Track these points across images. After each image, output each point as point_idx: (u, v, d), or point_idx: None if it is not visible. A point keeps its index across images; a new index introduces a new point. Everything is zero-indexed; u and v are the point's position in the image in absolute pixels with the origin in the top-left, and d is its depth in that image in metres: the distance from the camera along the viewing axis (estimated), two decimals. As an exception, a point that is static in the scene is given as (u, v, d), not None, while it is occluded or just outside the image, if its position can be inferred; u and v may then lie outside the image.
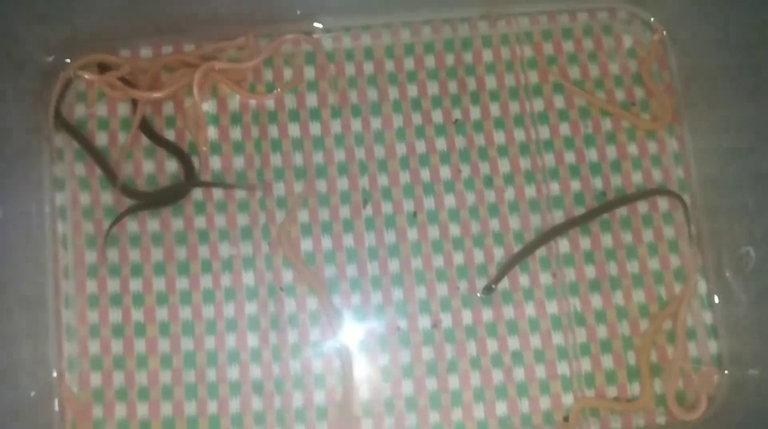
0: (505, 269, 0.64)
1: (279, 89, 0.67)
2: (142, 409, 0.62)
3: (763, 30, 0.59)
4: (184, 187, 0.65)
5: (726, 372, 0.64)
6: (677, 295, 0.65)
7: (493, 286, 0.64)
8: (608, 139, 0.68)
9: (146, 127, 0.66)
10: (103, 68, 0.67)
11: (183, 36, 0.68)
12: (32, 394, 0.60)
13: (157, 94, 0.65)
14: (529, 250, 0.65)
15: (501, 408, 0.63)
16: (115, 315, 0.63)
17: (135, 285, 0.64)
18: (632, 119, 0.67)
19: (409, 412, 0.63)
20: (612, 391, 0.64)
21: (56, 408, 0.62)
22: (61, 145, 0.66)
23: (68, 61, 0.66)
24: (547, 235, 0.65)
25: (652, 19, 0.69)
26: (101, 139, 0.66)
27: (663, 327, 0.65)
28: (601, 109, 0.68)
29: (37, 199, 0.64)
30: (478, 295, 0.64)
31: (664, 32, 0.69)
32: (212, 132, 0.67)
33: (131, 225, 0.65)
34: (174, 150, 0.66)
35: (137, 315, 0.63)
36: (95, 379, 0.62)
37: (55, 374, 0.62)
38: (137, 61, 0.67)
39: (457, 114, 0.68)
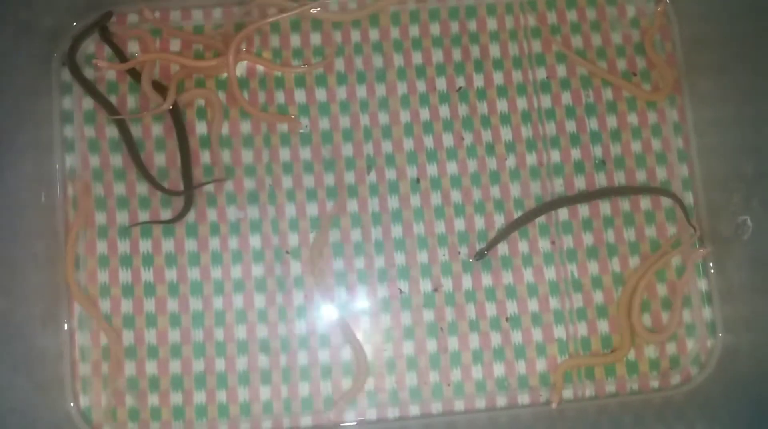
0: (497, 238, 0.66)
1: (306, 65, 0.67)
2: (151, 367, 0.64)
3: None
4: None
5: (720, 337, 0.66)
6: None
7: (486, 252, 0.66)
8: (609, 109, 0.69)
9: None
10: (104, 32, 0.67)
11: (191, 1, 0.68)
12: (43, 350, 0.62)
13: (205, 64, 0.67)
14: (522, 221, 0.66)
15: (498, 369, 0.65)
16: (124, 275, 0.65)
17: (144, 246, 0.65)
18: (633, 90, 0.68)
19: (410, 372, 0.65)
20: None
21: (68, 364, 0.64)
22: (70, 106, 0.67)
23: (75, 23, 0.67)
24: (539, 210, 0.66)
25: (656, -10, 0.70)
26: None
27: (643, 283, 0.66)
28: (603, 79, 0.69)
29: (48, 160, 0.65)
30: (470, 259, 0.66)
31: (668, 1, 0.70)
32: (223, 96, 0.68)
33: (141, 189, 0.66)
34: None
35: (146, 275, 0.65)
36: (105, 337, 0.64)
37: (66, 328, 0.64)
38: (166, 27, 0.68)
39: (460, 82, 0.68)
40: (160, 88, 0.67)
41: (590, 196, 0.67)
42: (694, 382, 0.66)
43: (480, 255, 0.66)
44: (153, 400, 0.64)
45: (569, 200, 0.67)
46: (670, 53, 0.69)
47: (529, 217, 0.66)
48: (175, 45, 0.68)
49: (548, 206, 0.67)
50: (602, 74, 0.68)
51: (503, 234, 0.66)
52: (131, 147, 0.66)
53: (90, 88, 0.66)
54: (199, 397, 0.64)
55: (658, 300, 0.66)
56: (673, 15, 0.69)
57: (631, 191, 0.67)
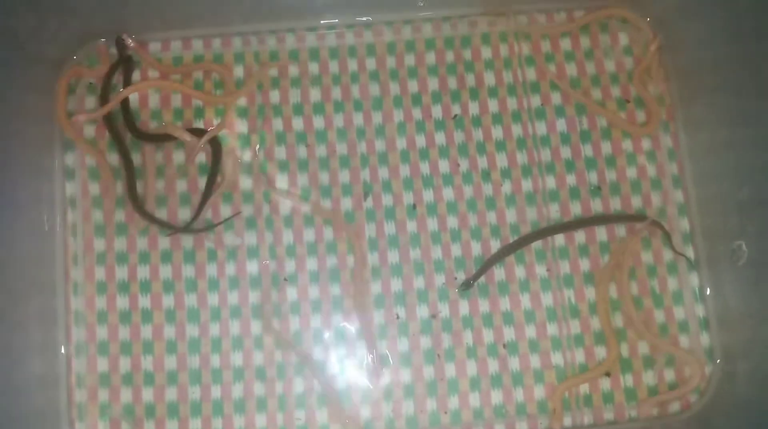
0: (483, 268, 0.66)
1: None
2: (148, 394, 0.64)
3: (757, 26, 0.60)
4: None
5: (718, 363, 0.65)
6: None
7: (472, 282, 0.66)
8: (603, 135, 0.69)
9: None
10: (121, 49, 0.68)
11: (191, 32, 0.70)
12: (40, 376, 0.62)
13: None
14: (506, 252, 0.66)
15: (496, 396, 0.65)
16: (122, 301, 0.65)
17: (142, 272, 0.66)
18: (621, 123, 0.69)
19: (407, 400, 0.64)
20: (605, 382, 0.65)
21: (64, 391, 0.64)
22: (71, 136, 0.68)
23: (75, 57, 0.69)
24: (524, 240, 0.67)
25: (648, 19, 0.71)
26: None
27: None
28: (597, 105, 0.70)
29: (48, 188, 0.66)
30: (456, 290, 0.66)
31: (659, 35, 0.71)
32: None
33: (139, 217, 0.67)
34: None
35: (144, 301, 0.65)
36: (102, 364, 0.64)
37: (63, 356, 0.64)
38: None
39: (456, 109, 0.69)
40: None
41: (566, 226, 0.67)
42: (693, 409, 0.65)
43: (466, 285, 0.66)
44: (149, 427, 0.63)
45: (543, 232, 0.67)
46: (663, 78, 0.70)
47: (506, 250, 0.66)
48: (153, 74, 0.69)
49: (525, 239, 0.67)
50: (595, 108, 0.69)
51: (489, 264, 0.66)
52: (131, 179, 0.67)
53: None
54: (195, 424, 0.63)
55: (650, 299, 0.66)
56: (666, 42, 0.71)
57: (606, 220, 0.67)
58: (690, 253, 0.68)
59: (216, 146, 0.67)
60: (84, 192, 0.67)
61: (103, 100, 0.68)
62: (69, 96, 0.68)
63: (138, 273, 0.66)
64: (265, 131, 0.68)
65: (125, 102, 0.68)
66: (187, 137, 0.67)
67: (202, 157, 0.68)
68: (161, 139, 0.68)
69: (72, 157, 0.68)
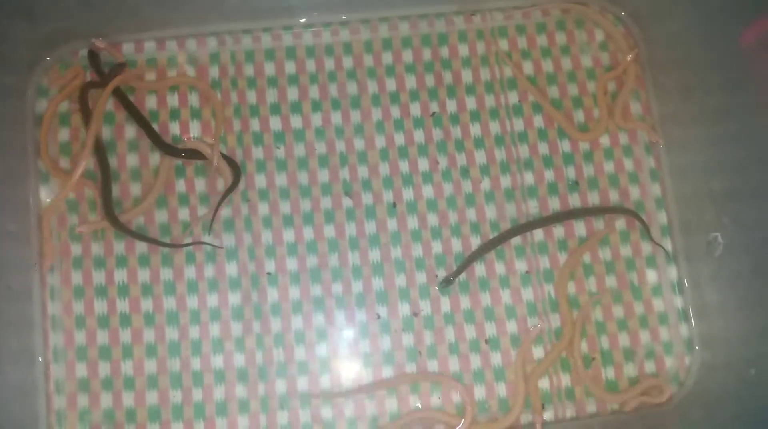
0: (464, 265, 0.66)
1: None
2: (128, 399, 0.63)
3: (728, 25, 0.61)
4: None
5: (697, 355, 0.66)
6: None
7: (452, 278, 0.66)
8: (581, 131, 0.70)
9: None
10: (93, 58, 0.68)
11: (165, 32, 0.69)
12: (18, 384, 0.61)
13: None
14: (487, 247, 0.66)
15: (479, 392, 0.65)
16: (100, 306, 0.64)
17: (120, 276, 0.65)
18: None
19: (390, 397, 0.64)
20: (587, 375, 0.66)
21: (42, 398, 0.63)
22: (41, 137, 0.67)
23: (48, 59, 0.67)
24: (503, 236, 0.67)
25: (622, 13, 0.71)
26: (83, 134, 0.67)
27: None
28: (573, 102, 0.70)
29: (22, 193, 0.65)
30: (436, 287, 0.66)
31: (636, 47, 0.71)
32: (195, 127, 0.68)
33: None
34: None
35: (122, 306, 0.65)
36: (81, 369, 0.63)
37: (41, 362, 0.63)
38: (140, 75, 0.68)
39: (434, 107, 0.69)
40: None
41: (545, 220, 0.67)
42: (674, 400, 0.66)
43: (447, 282, 0.66)
44: (130, 432, 0.63)
45: (523, 227, 0.67)
46: (639, 77, 0.71)
47: (486, 247, 0.66)
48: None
49: (505, 235, 0.67)
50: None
51: (469, 260, 0.66)
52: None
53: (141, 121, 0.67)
54: (177, 428, 0.63)
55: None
56: (640, 38, 0.71)
57: (586, 213, 0.68)
58: (668, 245, 0.68)
59: (236, 168, 0.67)
60: (58, 195, 0.66)
61: (84, 114, 0.66)
62: (42, 99, 0.67)
63: (115, 277, 0.65)
64: (242, 132, 0.68)
65: (141, 115, 0.67)
66: (213, 159, 0.66)
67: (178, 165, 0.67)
68: (190, 155, 0.66)
69: (45, 161, 0.66)
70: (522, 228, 0.67)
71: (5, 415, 0.60)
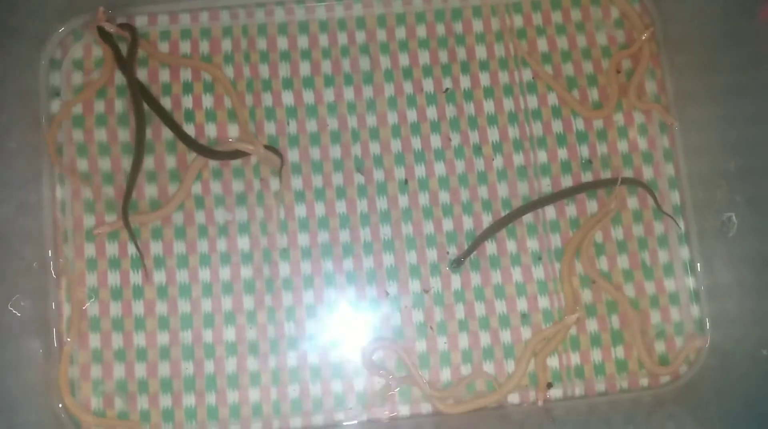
0: (474, 245, 0.66)
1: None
2: (140, 370, 0.64)
3: (746, 2, 0.60)
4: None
5: (708, 335, 0.66)
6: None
7: (462, 259, 0.66)
8: (595, 109, 0.69)
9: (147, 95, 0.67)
10: (103, 34, 0.67)
11: (178, 6, 0.69)
12: (35, 352, 0.62)
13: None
14: (496, 227, 0.66)
15: (488, 369, 0.65)
16: (113, 278, 0.65)
17: (132, 249, 0.65)
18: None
19: (399, 372, 0.65)
20: (596, 354, 0.66)
21: (59, 366, 0.63)
22: (58, 111, 0.67)
23: (61, 30, 0.67)
24: (514, 214, 0.66)
25: (641, -8, 0.71)
26: (99, 106, 0.67)
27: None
28: (588, 80, 0.69)
29: (35, 165, 0.65)
30: (447, 268, 0.66)
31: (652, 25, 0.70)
32: (208, 100, 0.68)
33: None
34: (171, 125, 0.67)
35: (135, 278, 0.65)
36: (94, 340, 0.64)
37: (55, 335, 0.64)
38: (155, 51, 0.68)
39: (447, 83, 0.69)
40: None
41: (555, 196, 0.67)
42: (683, 380, 0.66)
43: (457, 263, 0.66)
44: (142, 402, 0.63)
45: (536, 204, 0.67)
46: (654, 55, 0.70)
47: (497, 226, 0.66)
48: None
49: (517, 212, 0.66)
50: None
51: (475, 244, 0.66)
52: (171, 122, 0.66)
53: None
54: (189, 399, 0.64)
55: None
56: (656, 15, 0.70)
57: (595, 186, 0.67)
58: (681, 225, 0.68)
59: (278, 152, 0.67)
60: (72, 168, 0.66)
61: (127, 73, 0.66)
62: (55, 72, 0.67)
63: (129, 249, 0.65)
64: (255, 106, 0.68)
65: (170, 118, 0.66)
66: (260, 150, 0.65)
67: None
68: (230, 156, 0.66)
69: (60, 134, 0.67)
70: (531, 206, 0.67)
71: (21, 384, 0.60)
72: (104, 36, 0.67)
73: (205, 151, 0.66)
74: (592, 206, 0.68)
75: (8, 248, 0.61)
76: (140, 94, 0.66)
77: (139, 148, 0.65)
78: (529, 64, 0.69)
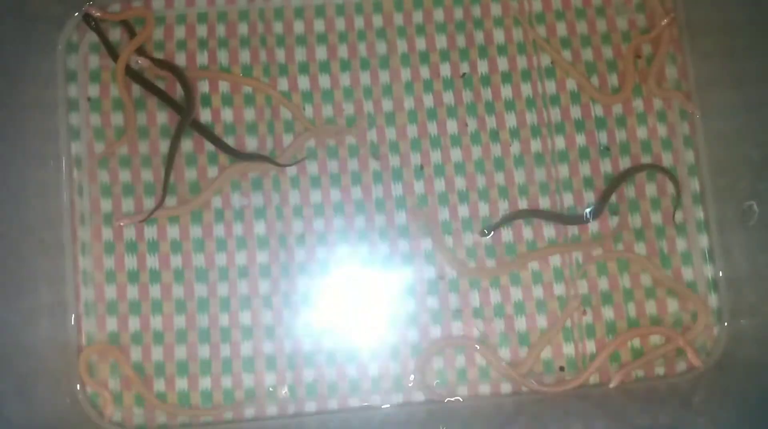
0: (506, 218, 0.66)
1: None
2: (157, 353, 0.64)
3: None
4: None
5: (726, 324, 0.65)
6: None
7: (486, 231, 0.66)
8: (614, 94, 0.68)
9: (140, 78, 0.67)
10: (88, 22, 0.67)
11: (194, -11, 0.69)
12: (51, 336, 0.63)
13: None
14: (536, 214, 0.66)
15: (503, 355, 0.65)
16: (130, 261, 0.65)
17: (150, 233, 0.66)
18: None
19: (414, 358, 0.65)
20: (611, 342, 0.65)
21: (75, 351, 0.64)
22: (75, 95, 0.67)
23: (77, 14, 0.67)
24: (560, 218, 0.66)
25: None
26: (114, 91, 0.68)
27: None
28: (608, 65, 0.68)
29: (54, 148, 0.66)
30: (478, 234, 0.66)
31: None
32: (224, 85, 0.68)
33: (146, 175, 0.66)
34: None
35: (152, 261, 0.65)
36: (111, 323, 0.65)
37: (73, 319, 0.65)
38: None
39: (464, 68, 0.68)
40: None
41: (607, 192, 0.66)
42: (700, 369, 0.65)
43: (490, 229, 0.66)
44: (159, 385, 0.64)
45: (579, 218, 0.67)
46: (676, 40, 0.69)
47: (537, 213, 0.66)
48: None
49: (560, 218, 0.67)
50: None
51: (508, 219, 0.66)
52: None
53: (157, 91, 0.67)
54: (205, 382, 0.64)
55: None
56: (679, 1, 0.69)
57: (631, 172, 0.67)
58: (700, 213, 0.67)
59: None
60: (90, 152, 0.67)
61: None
62: (72, 55, 0.68)
63: (145, 233, 0.66)
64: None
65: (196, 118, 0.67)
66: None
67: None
68: (259, 158, 0.66)
69: (76, 116, 0.67)
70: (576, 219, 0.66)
71: (40, 366, 0.61)
72: (94, 28, 0.67)
73: (239, 154, 0.66)
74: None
75: (27, 231, 0.62)
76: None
77: (176, 140, 0.66)
78: (546, 51, 0.68)
